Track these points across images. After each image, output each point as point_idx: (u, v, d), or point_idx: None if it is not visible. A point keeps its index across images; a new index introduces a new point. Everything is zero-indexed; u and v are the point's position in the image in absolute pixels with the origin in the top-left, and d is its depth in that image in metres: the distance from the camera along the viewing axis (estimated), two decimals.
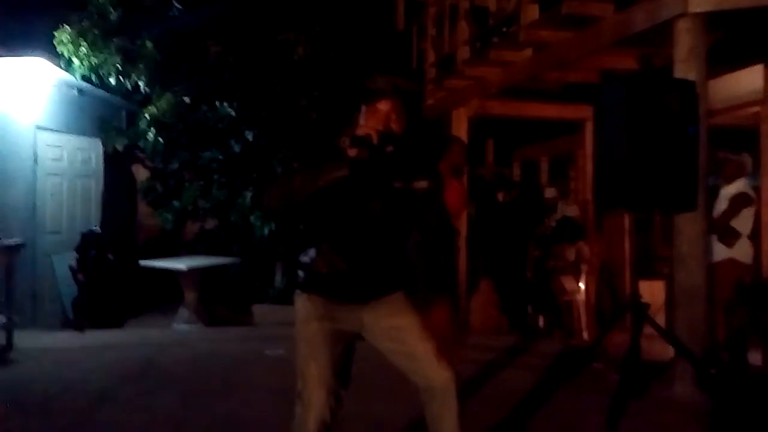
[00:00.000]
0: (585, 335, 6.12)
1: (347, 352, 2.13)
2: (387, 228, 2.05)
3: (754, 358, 4.52)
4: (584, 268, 6.32)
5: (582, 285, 6.28)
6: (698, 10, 3.77)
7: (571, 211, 6.57)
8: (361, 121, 2.04)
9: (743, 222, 4.44)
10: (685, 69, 3.77)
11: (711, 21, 3.81)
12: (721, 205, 4.46)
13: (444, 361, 2.01)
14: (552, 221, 6.69)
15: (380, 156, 1.97)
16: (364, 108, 2.08)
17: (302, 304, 2.13)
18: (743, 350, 4.45)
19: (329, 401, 2.01)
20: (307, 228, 2.18)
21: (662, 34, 4.02)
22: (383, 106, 2.04)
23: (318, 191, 1.95)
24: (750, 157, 4.68)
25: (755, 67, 4.88)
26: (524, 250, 7.40)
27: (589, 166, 6.60)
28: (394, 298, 2.11)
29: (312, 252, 2.10)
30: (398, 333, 2.08)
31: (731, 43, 4.44)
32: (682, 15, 3.79)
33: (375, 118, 2.02)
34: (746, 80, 5.11)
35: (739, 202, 4.47)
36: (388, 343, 2.10)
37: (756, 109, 5.03)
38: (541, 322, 6.40)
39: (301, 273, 2.18)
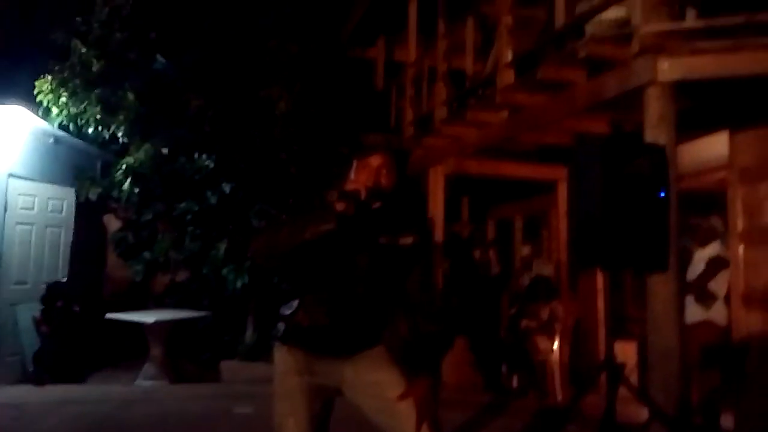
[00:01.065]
0: (559, 395, 6.07)
1: (326, 409, 2.08)
2: (372, 283, 2.04)
3: (727, 421, 4.51)
4: (558, 327, 6.32)
5: (556, 345, 6.27)
6: (667, 79, 3.94)
7: (546, 269, 6.61)
8: (352, 175, 2.06)
9: (720, 284, 4.53)
10: (655, 134, 3.90)
11: (679, 89, 3.97)
12: (698, 267, 4.55)
13: (426, 421, 1.97)
14: (526, 280, 6.72)
15: (367, 211, 1.97)
16: (355, 162, 2.09)
17: (282, 356, 2.08)
18: (716, 413, 4.45)
19: None
20: (291, 280, 2.14)
21: (633, 100, 4.17)
22: (375, 160, 2.06)
23: (304, 244, 1.94)
24: (720, 219, 4.81)
25: (721, 133, 5.07)
26: (498, 309, 7.42)
27: (563, 225, 6.70)
28: (375, 352, 2.08)
29: (294, 304, 2.07)
30: (379, 388, 2.04)
31: (698, 110, 4.62)
32: (652, 83, 3.96)
33: (366, 172, 2.04)
34: (713, 146, 5.29)
35: (716, 264, 4.57)
36: (368, 399, 2.05)
37: (722, 174, 5.19)
38: (515, 381, 6.34)
39: (281, 325, 2.13)
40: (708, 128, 5.14)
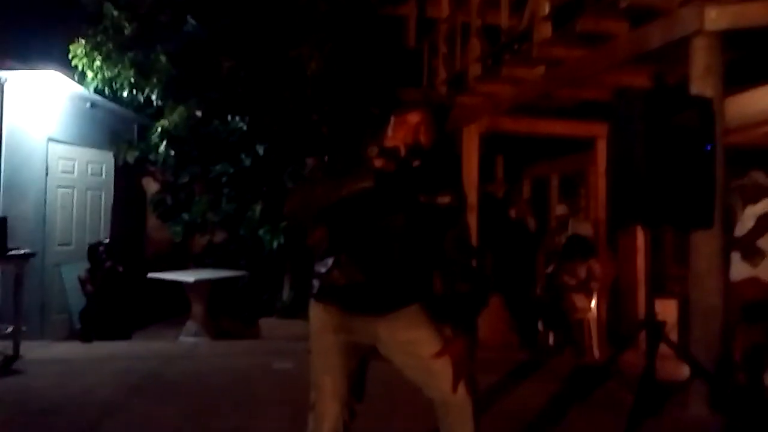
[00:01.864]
0: (596, 353, 6.05)
1: (362, 365, 2.09)
2: (408, 242, 2.01)
3: None
4: (595, 285, 6.26)
5: (593, 303, 6.22)
6: (714, 28, 3.76)
7: (583, 229, 6.52)
8: (390, 133, 2.02)
9: None
10: (701, 86, 3.74)
11: (727, 39, 3.79)
12: (747, 223, 4.42)
13: (461, 379, 1.96)
14: (562, 238, 6.64)
15: (406, 169, 1.94)
16: (393, 119, 2.05)
17: (317, 314, 2.09)
18: (760, 370, 4.38)
19: (343, 414, 1.98)
20: (327, 238, 2.12)
21: (678, 51, 4.01)
22: (413, 117, 2.01)
23: (340, 201, 1.92)
24: (765, 175, 4.63)
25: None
26: (534, 267, 7.37)
27: (601, 184, 6.56)
28: (411, 311, 2.06)
29: (329, 262, 2.06)
30: (414, 347, 2.03)
31: (746, 61, 4.42)
32: (698, 32, 3.78)
33: (404, 130, 1.99)
34: (760, 99, 5.08)
35: (766, 221, 4.43)
36: (404, 357, 2.05)
37: None
38: (551, 339, 6.33)
39: (315, 282, 2.12)
40: (756, 80, 4.93)
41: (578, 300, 6.12)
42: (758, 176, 4.62)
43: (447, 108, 2.39)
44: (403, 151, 1.92)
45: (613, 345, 6.19)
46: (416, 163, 1.97)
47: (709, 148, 3.34)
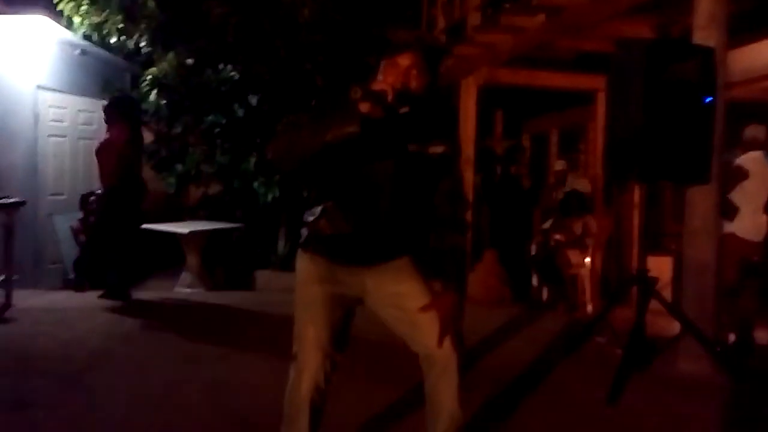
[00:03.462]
0: (589, 308, 6.05)
1: (347, 317, 2.04)
2: (397, 192, 1.92)
3: (761, 337, 4.45)
4: (590, 242, 6.22)
5: (588, 259, 6.20)
6: None
7: (581, 184, 6.43)
8: (380, 76, 1.89)
9: (741, 196, 4.27)
10: (704, 37, 3.60)
11: None
12: None
13: (447, 334, 1.92)
14: (560, 194, 6.57)
15: (394, 116, 1.83)
16: (383, 62, 1.92)
17: (304, 264, 2.03)
18: (750, 329, 4.37)
19: (324, 365, 1.94)
20: (313, 186, 2.04)
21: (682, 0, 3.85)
22: (404, 60, 1.87)
23: (326, 147, 1.81)
24: (763, 128, 4.50)
25: None
26: (530, 223, 7.33)
27: (600, 139, 6.44)
28: (399, 263, 2.00)
29: (317, 210, 1.97)
30: (401, 299, 1.97)
31: (751, 12, 4.26)
32: None
33: (394, 74, 1.86)
34: (763, 52, 4.93)
35: (732, 174, 4.26)
36: (390, 309, 2.00)
37: None
38: (545, 294, 6.33)
39: (303, 231, 2.03)
40: (760, 33, 4.77)
41: (573, 255, 6.09)
42: (756, 130, 4.49)
43: (442, 51, 2.22)
44: (390, 96, 1.79)
45: (607, 301, 6.20)
46: (404, 109, 1.86)
47: (708, 100, 3.25)
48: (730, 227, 4.21)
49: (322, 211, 1.96)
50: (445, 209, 1.98)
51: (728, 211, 4.19)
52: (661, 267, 5.14)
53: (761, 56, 5.03)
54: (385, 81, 1.84)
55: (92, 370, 3.50)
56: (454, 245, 1.98)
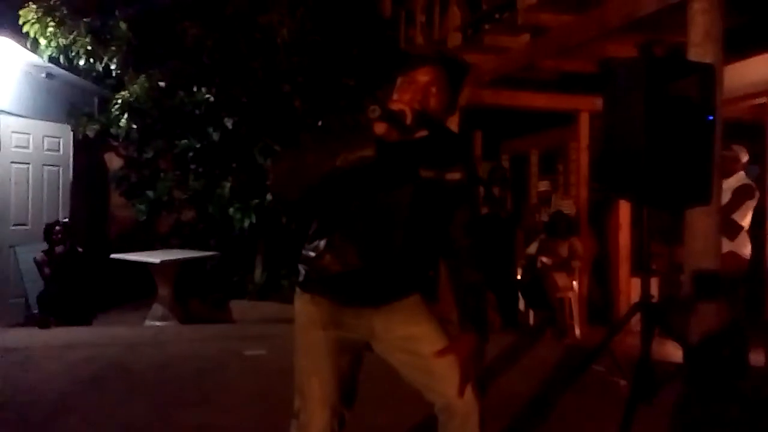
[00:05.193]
0: (577, 332, 5.93)
1: (354, 365, 1.81)
2: (413, 222, 1.72)
3: (757, 359, 4.36)
4: (576, 264, 6.11)
5: (575, 282, 6.08)
6: None
7: (566, 206, 6.33)
8: (395, 95, 1.69)
9: (743, 215, 4.36)
10: (699, 54, 3.52)
11: (728, 3, 3.57)
12: (724, 198, 4.30)
13: (468, 381, 1.71)
14: (544, 216, 6.46)
15: (411, 139, 1.64)
16: (399, 78, 1.72)
17: (304, 306, 1.80)
18: (743, 347, 4.29)
19: (332, 424, 1.70)
20: (316, 216, 1.81)
21: (673, 16, 3.78)
22: (423, 76, 1.68)
23: (335, 172, 1.59)
24: (743, 148, 4.54)
25: (762, 56, 4.68)
26: (513, 246, 7.19)
27: (584, 159, 6.38)
28: (410, 302, 1.80)
29: (321, 244, 1.75)
30: (415, 343, 1.76)
31: (742, 29, 4.22)
32: None
33: (411, 91, 1.67)
34: (751, 70, 4.91)
35: (741, 193, 4.34)
36: (402, 355, 1.78)
37: (762, 100, 4.83)
38: (532, 319, 6.18)
39: (302, 269, 1.81)
40: (749, 49, 4.75)
41: (560, 278, 5.97)
42: (738, 150, 4.52)
43: (464, 66, 1.98)
44: (409, 117, 1.59)
45: (594, 324, 6.07)
46: (422, 132, 1.66)
47: (710, 119, 3.14)
48: (729, 246, 4.18)
49: (327, 244, 1.73)
50: (462, 242, 1.79)
51: (732, 231, 4.20)
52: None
53: (745, 74, 5.01)
54: (401, 99, 1.64)
55: (60, 417, 3.20)
56: (473, 282, 1.79)
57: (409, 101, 1.63)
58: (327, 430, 1.69)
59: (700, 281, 3.76)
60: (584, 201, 6.39)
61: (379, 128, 1.58)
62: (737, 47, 4.65)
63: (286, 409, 1.79)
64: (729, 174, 4.50)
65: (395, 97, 1.68)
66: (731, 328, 4.23)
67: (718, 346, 4.00)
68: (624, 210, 6.26)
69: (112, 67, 6.49)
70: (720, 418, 3.33)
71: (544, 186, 6.76)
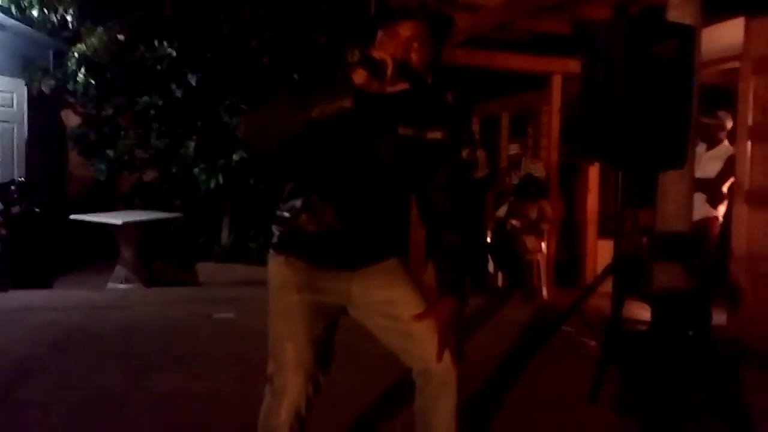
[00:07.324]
0: (545, 294, 6.00)
1: (330, 330, 1.74)
2: (393, 181, 1.65)
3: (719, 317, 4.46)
4: (545, 227, 6.15)
5: (543, 244, 6.12)
6: None
7: (537, 169, 6.33)
8: (376, 50, 1.59)
9: (728, 185, 4.40)
10: (678, 16, 3.49)
11: None
12: (712, 165, 4.34)
13: (447, 346, 1.67)
14: (514, 179, 6.46)
15: (392, 93, 1.57)
16: (380, 32, 1.63)
17: (278, 269, 1.72)
18: (707, 307, 4.39)
19: (306, 389, 1.64)
20: (292, 174, 1.73)
21: None
22: (405, 29, 1.59)
23: (310, 125, 1.51)
24: (729, 115, 4.53)
25: (736, 20, 4.67)
26: (483, 209, 7.20)
27: (555, 122, 6.36)
28: (388, 265, 1.74)
29: (296, 204, 1.67)
30: (393, 307, 1.71)
31: None
32: None
33: (393, 45, 1.58)
34: (725, 34, 4.90)
35: (733, 165, 4.35)
36: (380, 319, 1.73)
37: (734, 64, 4.84)
38: (500, 281, 6.23)
39: (276, 230, 1.73)
40: (723, 13, 4.73)
41: (529, 241, 6.00)
42: (724, 117, 4.51)
43: (448, 20, 1.89)
44: (390, 67, 1.51)
45: (561, 286, 6.16)
46: (403, 85, 1.59)
47: (692, 82, 3.12)
48: (711, 212, 4.25)
49: (304, 204, 1.65)
50: (442, 204, 1.73)
51: (717, 199, 4.25)
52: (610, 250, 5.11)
53: (720, 38, 5.01)
54: (383, 53, 1.55)
55: (21, 384, 3.08)
56: (453, 245, 1.73)
57: (391, 54, 1.55)
58: (302, 395, 1.64)
59: (670, 243, 3.81)
60: (554, 164, 6.39)
61: (358, 77, 1.50)
62: (711, 10, 4.64)
63: (262, 373, 1.73)
64: (714, 141, 4.53)
65: (376, 51, 1.58)
66: (697, 290, 4.33)
67: (682, 309, 4.09)
68: (593, 174, 6.30)
69: (69, 18, 6.14)
70: (686, 376, 3.41)
71: (514, 149, 6.74)
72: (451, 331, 1.67)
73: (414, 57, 1.60)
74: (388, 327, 1.73)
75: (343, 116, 1.51)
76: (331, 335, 1.75)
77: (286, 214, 1.69)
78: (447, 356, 1.66)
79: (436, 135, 1.66)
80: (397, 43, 1.59)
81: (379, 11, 1.67)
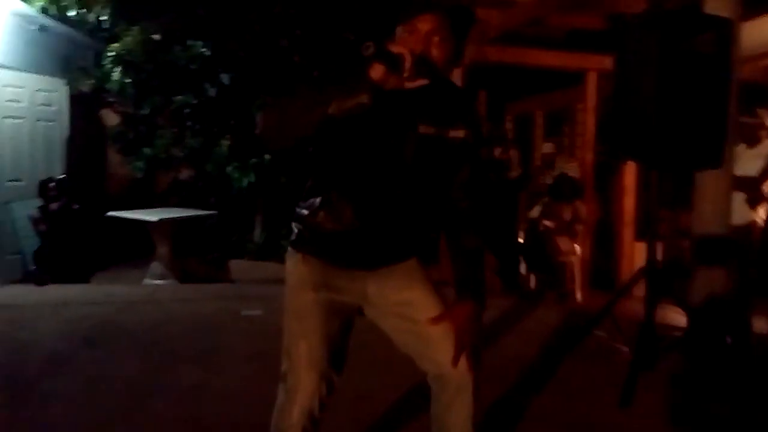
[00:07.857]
0: (579, 297, 5.88)
1: (345, 330, 1.71)
2: (413, 180, 1.59)
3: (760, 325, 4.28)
4: (579, 228, 6.02)
5: (577, 246, 6.00)
6: None
7: (571, 168, 6.21)
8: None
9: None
10: (716, 8, 3.35)
11: None
12: (754, 163, 4.18)
13: (463, 351, 1.62)
14: (548, 178, 6.34)
15: (411, 89, 1.51)
16: (398, 28, 1.57)
17: (295, 266, 1.69)
18: (747, 312, 4.22)
19: (320, 388, 1.62)
20: (312, 171, 1.70)
21: None
22: (424, 24, 1.52)
23: (328, 122, 1.47)
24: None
25: None
26: (516, 209, 7.10)
27: (591, 121, 6.21)
28: (406, 266, 1.69)
29: (315, 202, 1.63)
30: (409, 309, 1.66)
31: None
32: None
33: (412, 41, 1.51)
34: (767, 29, 4.72)
35: None
36: (395, 321, 1.69)
37: None
38: (533, 283, 6.12)
39: (295, 227, 1.70)
40: (765, 6, 4.55)
41: (562, 242, 5.89)
42: (764, 114, 4.35)
43: (470, 14, 1.65)
44: (408, 62, 1.45)
45: (595, 288, 6.02)
46: (422, 81, 1.52)
47: (729, 78, 2.99)
48: (751, 216, 4.09)
49: (323, 201, 1.62)
50: (461, 204, 1.67)
51: (757, 199, 4.10)
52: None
53: (758, 34, 4.82)
54: (403, 48, 1.48)
55: (50, 376, 3.15)
56: (472, 247, 1.68)
57: (410, 49, 1.48)
58: (315, 394, 1.62)
59: (707, 246, 3.67)
60: (589, 164, 6.25)
61: (376, 72, 1.44)
62: (752, 4, 4.46)
63: (280, 371, 1.72)
64: (755, 141, 4.37)
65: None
66: (737, 295, 4.17)
67: (722, 315, 3.94)
68: (629, 174, 6.13)
69: (104, 18, 6.29)
70: (721, 385, 3.27)
71: (548, 148, 6.63)
72: (468, 336, 1.62)
73: (434, 52, 1.53)
74: (404, 329, 1.69)
75: (360, 112, 1.46)
76: (346, 336, 1.73)
77: (305, 212, 1.66)
78: (463, 361, 1.62)
79: (459, 134, 1.61)
80: (416, 38, 1.52)
81: (397, 5, 1.61)
